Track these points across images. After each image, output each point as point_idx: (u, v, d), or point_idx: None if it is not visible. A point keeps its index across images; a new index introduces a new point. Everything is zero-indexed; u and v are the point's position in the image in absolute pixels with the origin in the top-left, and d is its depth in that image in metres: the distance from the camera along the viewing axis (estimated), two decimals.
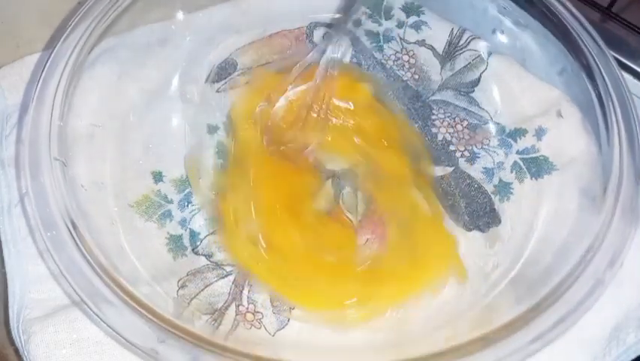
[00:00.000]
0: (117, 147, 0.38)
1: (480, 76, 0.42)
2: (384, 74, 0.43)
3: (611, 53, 0.37)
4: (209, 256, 0.36)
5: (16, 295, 0.34)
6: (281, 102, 0.40)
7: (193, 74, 0.41)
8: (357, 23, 0.44)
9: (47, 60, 0.34)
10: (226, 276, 0.35)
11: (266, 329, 0.34)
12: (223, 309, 0.34)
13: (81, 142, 0.36)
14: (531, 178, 0.39)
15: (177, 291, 0.34)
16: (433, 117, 0.42)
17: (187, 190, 0.38)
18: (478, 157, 0.40)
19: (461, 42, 0.43)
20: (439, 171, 0.40)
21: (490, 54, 0.43)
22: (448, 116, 0.42)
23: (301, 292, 0.35)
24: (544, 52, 0.41)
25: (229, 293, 0.35)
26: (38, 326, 0.32)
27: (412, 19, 0.44)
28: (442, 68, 0.43)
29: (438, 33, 0.44)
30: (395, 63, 0.43)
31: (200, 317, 0.33)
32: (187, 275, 0.35)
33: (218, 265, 0.36)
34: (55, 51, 0.34)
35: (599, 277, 0.30)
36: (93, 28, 0.36)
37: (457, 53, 0.43)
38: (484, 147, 0.41)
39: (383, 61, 0.43)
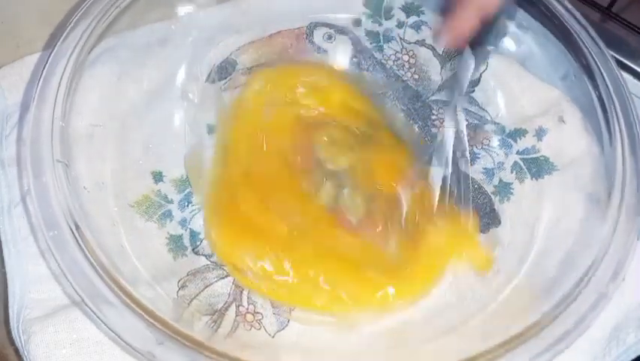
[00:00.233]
0: (117, 147, 0.38)
1: (480, 76, 0.42)
2: (384, 74, 0.43)
3: (610, 54, 0.37)
4: (209, 256, 0.36)
5: (16, 295, 0.34)
6: None
7: (193, 73, 0.41)
8: (357, 23, 0.44)
9: (47, 59, 0.34)
10: (226, 276, 0.35)
11: (266, 330, 0.34)
12: (223, 310, 0.34)
13: (82, 142, 0.36)
14: (531, 178, 0.39)
15: (177, 291, 0.34)
16: (433, 117, 0.42)
17: (187, 190, 0.38)
18: (478, 157, 0.40)
19: None
20: (439, 171, 0.40)
21: (489, 54, 0.43)
22: None
23: (302, 294, 0.35)
24: (545, 52, 0.41)
25: (229, 294, 0.35)
26: (38, 326, 0.32)
27: (412, 19, 0.44)
28: (442, 68, 0.43)
29: None
30: (395, 63, 0.43)
31: (200, 318, 0.33)
32: (187, 275, 0.35)
33: (218, 266, 0.36)
34: (55, 50, 0.34)
35: (602, 290, 0.30)
36: (93, 28, 0.36)
37: (457, 53, 0.43)
38: (484, 147, 0.41)
39: (383, 61, 0.43)
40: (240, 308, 0.34)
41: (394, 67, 0.43)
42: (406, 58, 0.44)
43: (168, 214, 0.37)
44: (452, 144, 0.37)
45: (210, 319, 0.33)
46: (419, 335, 0.33)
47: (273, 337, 0.34)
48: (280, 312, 0.34)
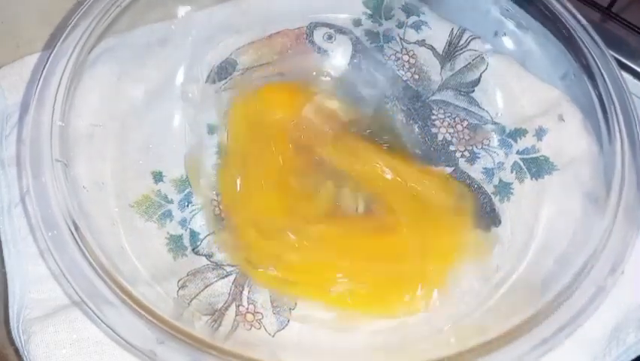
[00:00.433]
0: (117, 147, 0.38)
1: (480, 76, 0.42)
2: (384, 74, 0.43)
3: (611, 54, 0.37)
4: (209, 256, 0.36)
5: (16, 295, 0.34)
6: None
7: (193, 73, 0.41)
8: (357, 23, 0.44)
9: (47, 59, 0.34)
10: (226, 276, 0.35)
11: (266, 329, 0.34)
12: (223, 309, 0.34)
13: (81, 142, 0.36)
14: (531, 178, 0.39)
15: (177, 291, 0.34)
16: (433, 117, 0.42)
17: (187, 190, 0.38)
18: (478, 157, 0.40)
19: (461, 42, 0.43)
20: (439, 171, 0.40)
21: (490, 54, 0.43)
22: (448, 116, 0.42)
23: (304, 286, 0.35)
24: (545, 52, 0.41)
25: (229, 293, 0.35)
26: (38, 326, 0.32)
27: (412, 19, 0.44)
28: (442, 68, 0.43)
29: (438, 33, 0.44)
30: (395, 63, 0.43)
31: (200, 318, 0.33)
32: (187, 275, 0.35)
33: (218, 265, 0.36)
34: (55, 50, 0.34)
35: (600, 283, 0.30)
36: (93, 28, 0.36)
37: (457, 53, 0.43)
38: (484, 147, 0.41)
39: (383, 61, 0.43)
40: (240, 308, 0.34)
41: (394, 67, 0.43)
42: (406, 58, 0.44)
43: (168, 214, 0.37)
44: None
45: (210, 318, 0.33)
46: (419, 333, 0.33)
47: (273, 336, 0.34)
48: (280, 311, 0.34)
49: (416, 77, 0.43)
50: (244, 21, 0.43)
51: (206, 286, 0.34)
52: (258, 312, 0.34)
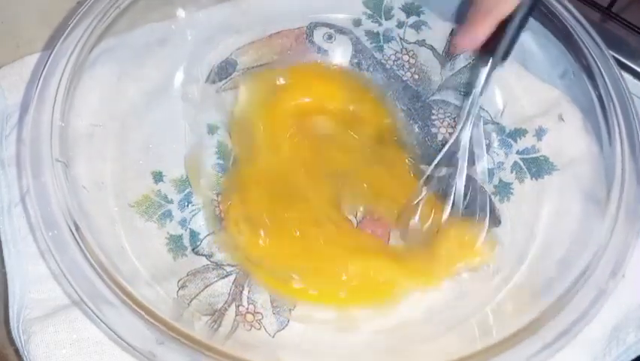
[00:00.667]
0: (117, 147, 0.38)
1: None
2: (384, 74, 0.43)
3: (611, 54, 0.37)
4: (209, 256, 0.36)
5: (16, 295, 0.34)
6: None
7: (193, 73, 0.41)
8: (357, 23, 0.44)
9: (47, 60, 0.34)
10: (226, 276, 0.35)
11: (266, 329, 0.34)
12: (223, 310, 0.34)
13: (81, 142, 0.36)
14: (531, 178, 0.39)
15: (177, 291, 0.34)
16: (433, 117, 0.42)
17: (187, 190, 0.38)
18: (478, 157, 0.40)
19: None
20: (439, 171, 0.40)
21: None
22: (448, 117, 0.42)
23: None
24: (545, 52, 0.41)
25: (229, 293, 0.35)
26: (38, 326, 0.32)
27: (412, 19, 0.44)
28: (442, 68, 0.43)
29: (438, 33, 0.44)
30: (395, 63, 0.43)
31: (199, 318, 0.33)
32: (187, 275, 0.35)
33: (218, 265, 0.36)
34: (55, 51, 0.34)
35: (601, 286, 0.30)
36: (93, 28, 0.36)
37: (457, 53, 0.43)
38: (485, 147, 0.41)
39: (383, 61, 0.43)
40: (240, 308, 0.34)
41: (394, 67, 0.43)
42: (406, 58, 0.44)
43: (168, 214, 0.37)
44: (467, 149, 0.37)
45: (210, 319, 0.33)
46: (419, 334, 0.33)
47: (273, 337, 0.34)
48: (280, 312, 0.34)
49: (416, 77, 0.43)
50: (244, 21, 0.43)
51: (206, 286, 0.35)
52: (258, 312, 0.34)
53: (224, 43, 0.42)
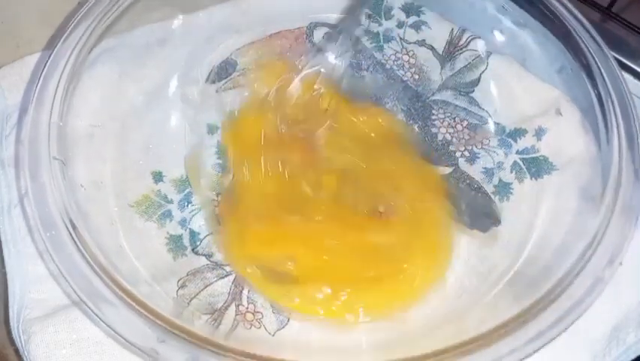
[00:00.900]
0: (117, 147, 0.38)
1: (480, 76, 0.42)
2: (384, 74, 0.43)
3: (611, 53, 0.37)
4: (209, 256, 0.36)
5: (16, 295, 0.34)
6: (295, 83, 0.40)
7: (193, 74, 0.41)
8: (357, 23, 0.44)
9: (47, 60, 0.34)
10: (226, 276, 0.35)
11: (266, 328, 0.34)
12: (223, 309, 0.34)
13: (81, 142, 0.36)
14: (531, 178, 0.39)
15: (177, 291, 0.34)
16: (433, 117, 0.42)
17: (187, 190, 0.38)
18: (478, 157, 0.40)
19: (461, 42, 0.43)
20: (439, 170, 0.40)
21: (489, 54, 0.42)
22: (448, 117, 0.42)
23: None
24: (544, 51, 0.41)
25: (229, 293, 0.35)
26: (38, 326, 0.32)
27: (412, 19, 0.44)
28: (442, 68, 0.43)
29: (438, 33, 0.44)
30: (395, 63, 0.43)
31: (199, 317, 0.33)
32: (187, 275, 0.35)
33: (218, 265, 0.36)
34: (55, 51, 0.34)
35: (598, 274, 0.30)
36: (93, 29, 0.36)
37: (457, 53, 0.43)
38: (484, 147, 0.41)
39: (383, 61, 0.43)
40: (240, 307, 0.34)
41: (394, 67, 0.43)
42: (406, 58, 0.44)
43: (168, 214, 0.37)
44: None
45: (210, 318, 0.33)
46: (417, 329, 0.33)
47: (273, 335, 0.34)
48: (280, 310, 0.34)
49: (416, 77, 0.43)
50: (244, 21, 0.43)
51: (205, 286, 0.34)
52: (257, 311, 0.34)
53: (225, 43, 0.42)
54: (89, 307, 0.28)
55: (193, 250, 0.36)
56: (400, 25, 0.44)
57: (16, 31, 0.42)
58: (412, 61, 0.44)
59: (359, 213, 0.38)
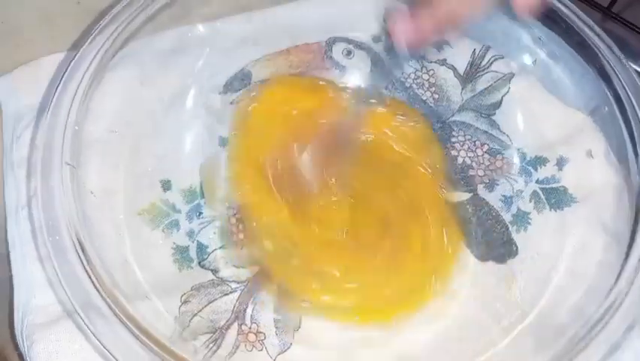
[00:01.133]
0: (131, 154, 0.38)
1: (502, 98, 0.41)
2: (403, 92, 0.42)
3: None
4: (215, 271, 0.35)
5: (22, 299, 0.33)
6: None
7: (209, 84, 0.41)
8: (377, 39, 0.43)
9: (70, 61, 0.34)
10: (231, 293, 0.35)
11: (267, 351, 0.33)
12: (225, 328, 0.33)
13: (95, 147, 0.36)
14: (550, 210, 0.37)
15: (180, 307, 0.33)
16: (453, 140, 0.41)
17: (196, 201, 0.38)
18: (497, 184, 0.39)
19: (483, 63, 0.42)
20: (458, 196, 0.39)
21: (512, 76, 0.42)
22: (469, 139, 0.41)
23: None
24: (578, 87, 0.39)
25: (232, 311, 0.34)
26: (41, 333, 0.32)
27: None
28: (462, 89, 0.42)
29: (460, 52, 0.43)
30: (415, 82, 0.43)
31: (198, 338, 0.32)
32: (191, 290, 0.34)
33: (223, 281, 0.35)
34: (79, 54, 0.34)
35: (616, 341, 0.28)
36: (115, 37, 0.35)
37: (478, 74, 0.42)
38: (504, 173, 0.40)
39: (402, 79, 0.43)
40: (243, 327, 0.33)
41: (414, 85, 0.43)
42: (425, 77, 0.43)
43: (175, 224, 0.37)
44: None
45: (211, 338, 0.33)
46: None
47: (274, 360, 0.33)
48: (284, 332, 0.34)
49: (436, 96, 0.42)
50: (262, 33, 0.42)
51: (209, 302, 0.34)
52: (260, 332, 0.33)
53: (241, 54, 0.42)
54: (82, 319, 0.27)
55: (199, 263, 0.36)
56: None
57: (16, 31, 0.41)
58: (432, 80, 0.43)
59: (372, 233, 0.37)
